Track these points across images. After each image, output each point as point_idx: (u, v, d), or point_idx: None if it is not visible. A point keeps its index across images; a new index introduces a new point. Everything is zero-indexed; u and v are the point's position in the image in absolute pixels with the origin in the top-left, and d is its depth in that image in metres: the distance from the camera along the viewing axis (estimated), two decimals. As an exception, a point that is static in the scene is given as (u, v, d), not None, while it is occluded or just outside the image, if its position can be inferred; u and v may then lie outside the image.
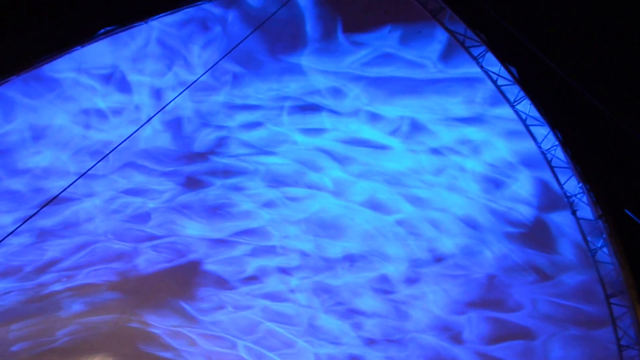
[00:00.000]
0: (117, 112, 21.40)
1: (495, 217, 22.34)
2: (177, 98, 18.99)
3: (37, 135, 21.11)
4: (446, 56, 19.12)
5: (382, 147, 22.47)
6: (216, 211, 26.15)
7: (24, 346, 32.43)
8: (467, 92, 19.82)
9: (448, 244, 23.90)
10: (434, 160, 22.10)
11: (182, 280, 29.66)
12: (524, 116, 18.67)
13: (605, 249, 19.20)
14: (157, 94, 21.08)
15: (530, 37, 16.46)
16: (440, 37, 18.65)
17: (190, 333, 33.14)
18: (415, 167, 22.61)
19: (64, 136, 21.54)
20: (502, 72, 18.08)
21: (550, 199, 20.67)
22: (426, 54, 19.32)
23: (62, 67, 19.35)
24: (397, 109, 21.07)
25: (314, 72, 20.63)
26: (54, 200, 16.93)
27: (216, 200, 25.68)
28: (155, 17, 17.81)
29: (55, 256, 26.61)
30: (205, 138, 23.06)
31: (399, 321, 27.06)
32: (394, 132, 21.78)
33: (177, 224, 26.70)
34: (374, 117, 21.60)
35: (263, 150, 23.54)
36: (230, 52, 18.24)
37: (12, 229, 16.17)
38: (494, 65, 18.05)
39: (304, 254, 27.12)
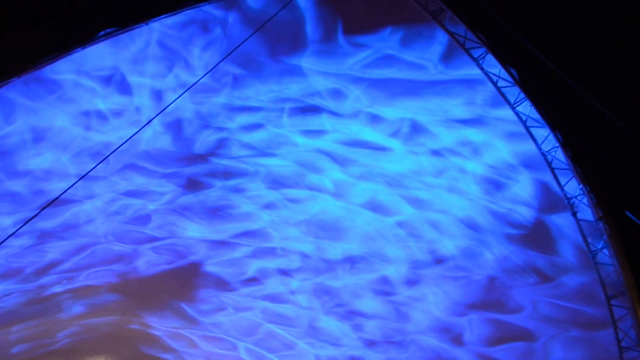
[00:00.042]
0: (117, 113, 21.40)
1: (495, 219, 22.33)
2: (178, 100, 18.98)
3: (38, 136, 21.12)
4: (447, 58, 19.12)
5: (382, 149, 22.46)
6: (217, 213, 26.15)
7: (25, 348, 32.43)
8: (468, 93, 19.81)
9: (448, 246, 23.89)
10: (435, 162, 22.09)
11: (182, 282, 29.66)
12: (524, 118, 18.66)
13: (605, 251, 19.18)
14: (158, 95, 21.08)
15: (531, 38, 16.46)
16: (441, 38, 18.64)
17: (190, 334, 33.14)
18: (416, 169, 22.60)
19: (64, 138, 21.55)
20: (503, 74, 18.07)
21: (550, 200, 20.66)
22: (427, 55, 19.32)
23: (63, 69, 19.36)
24: (397, 110, 21.06)
25: (315, 73, 20.62)
26: (54, 202, 16.94)
27: (216, 202, 25.68)
28: (156, 18, 17.81)
29: (55, 258, 26.61)
30: (205, 140, 23.05)
31: (400, 323, 27.05)
32: (394, 134, 21.77)
33: (178, 226, 26.70)
34: (375, 119, 21.59)
35: (263, 151, 23.54)
36: (230, 53, 18.25)
37: (13, 231, 16.19)
38: (494, 66, 18.05)
39: (304, 256, 27.11)
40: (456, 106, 20.32)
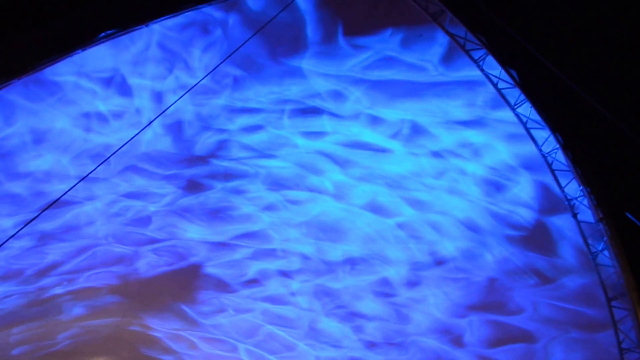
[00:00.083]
0: (117, 115, 21.41)
1: (496, 220, 22.33)
2: (178, 101, 18.98)
3: (38, 138, 21.12)
4: (447, 59, 19.12)
5: (382, 150, 22.46)
6: (217, 214, 26.14)
7: (25, 350, 32.41)
8: (468, 95, 19.81)
9: (449, 247, 23.89)
10: (435, 163, 22.09)
11: (182, 284, 29.65)
12: (524, 119, 18.66)
13: (606, 252, 19.17)
14: (158, 97, 21.09)
15: (531, 40, 16.46)
16: (441, 40, 18.65)
17: (191, 336, 33.12)
18: (416, 170, 22.60)
19: (64, 139, 21.55)
20: (503, 75, 18.07)
21: (551, 202, 20.66)
22: (427, 57, 19.32)
23: (63, 71, 19.37)
24: (398, 112, 21.06)
25: (315, 75, 20.63)
26: (55, 204, 16.94)
27: (217, 204, 25.68)
28: (156, 20, 17.81)
29: (56, 259, 26.62)
30: (206, 141, 23.06)
31: (400, 324, 27.04)
32: (394, 135, 21.77)
33: (178, 227, 26.70)
34: (375, 120, 21.59)
35: (264, 153, 23.54)
36: (230, 55, 18.26)
37: (13, 233, 16.19)
38: (495, 68, 18.04)
39: (304, 257, 27.11)
40: (456, 108, 20.32)
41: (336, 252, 26.47)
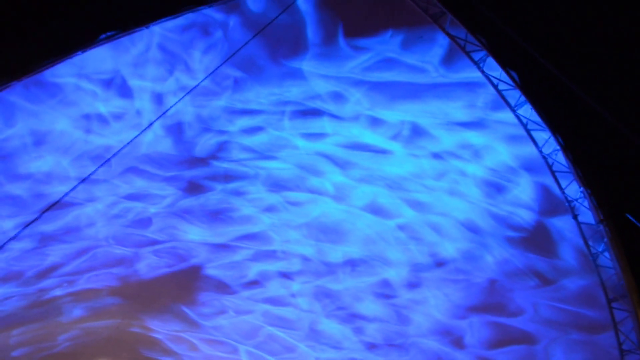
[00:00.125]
0: (118, 117, 21.41)
1: (496, 222, 22.32)
2: (178, 103, 19.00)
3: (39, 140, 21.14)
4: (447, 61, 19.14)
5: (383, 152, 22.47)
6: (217, 216, 26.14)
7: (25, 351, 32.40)
8: (469, 96, 19.82)
9: (449, 249, 23.88)
10: (435, 165, 22.09)
11: (183, 285, 29.64)
12: (525, 121, 18.67)
13: (606, 254, 19.17)
14: (158, 99, 21.09)
15: (531, 41, 16.46)
16: (442, 41, 18.67)
17: (191, 338, 33.10)
18: (417, 172, 22.60)
19: (65, 141, 21.56)
20: (503, 77, 18.09)
21: (551, 203, 20.65)
22: (427, 58, 19.34)
23: (63, 72, 19.38)
24: (398, 113, 21.07)
25: (315, 76, 20.65)
26: (55, 205, 16.96)
27: (217, 205, 25.68)
28: (157, 22, 17.84)
29: (56, 261, 26.61)
30: (206, 143, 23.07)
31: (401, 326, 27.02)
32: (395, 137, 21.78)
33: (178, 229, 26.69)
34: (375, 122, 21.60)
35: (264, 154, 23.55)
36: (231, 57, 18.30)
37: (14, 234, 16.23)
38: (495, 69, 18.06)
39: (305, 259, 27.10)
40: (457, 109, 20.33)
41: (336, 253, 26.46)
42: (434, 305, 25.63)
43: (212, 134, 22.77)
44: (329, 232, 25.86)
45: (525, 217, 21.59)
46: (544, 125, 18.19)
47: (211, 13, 19.02)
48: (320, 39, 19.53)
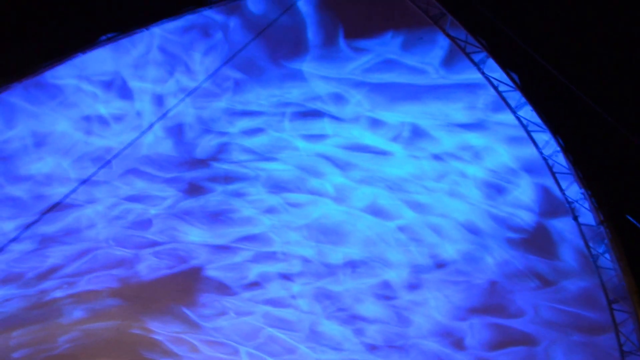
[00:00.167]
0: (118, 118, 21.42)
1: (496, 223, 22.32)
2: (179, 104, 19.00)
3: (39, 141, 21.14)
4: (448, 62, 19.13)
5: (383, 153, 22.47)
6: (217, 217, 26.14)
7: (25, 353, 32.39)
8: (469, 98, 19.82)
9: (449, 250, 23.87)
10: (436, 166, 22.09)
11: (183, 287, 29.63)
12: (525, 122, 18.67)
13: (607, 255, 19.16)
14: (159, 100, 21.10)
15: (532, 43, 16.47)
16: (442, 43, 18.66)
17: (192, 339, 33.10)
18: (417, 173, 22.60)
19: (65, 143, 21.57)
20: (504, 78, 18.07)
21: (551, 204, 20.65)
22: (428, 60, 19.33)
23: (64, 74, 19.38)
24: (398, 115, 21.07)
25: (316, 78, 20.65)
26: (55, 207, 16.97)
27: (217, 207, 25.68)
28: (157, 23, 17.85)
29: (56, 263, 26.60)
30: (206, 144, 23.07)
31: (401, 327, 27.01)
32: (395, 138, 21.78)
33: (179, 231, 26.69)
34: (376, 123, 21.60)
35: (264, 156, 23.55)
36: (231, 58, 18.30)
37: (14, 236, 16.22)
38: (496, 71, 18.05)
39: (305, 260, 27.09)
40: (457, 110, 20.33)
41: (337, 254, 26.46)
42: (434, 306, 25.62)
43: (212, 136, 22.78)
44: (329, 233, 25.86)
45: (526, 218, 21.59)
46: (544, 126, 18.19)
47: (211, 14, 19.03)
48: (321, 40, 19.53)
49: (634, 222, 17.89)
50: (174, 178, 24.11)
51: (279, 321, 30.19)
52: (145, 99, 21.06)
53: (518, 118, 18.67)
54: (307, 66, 20.31)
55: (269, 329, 30.82)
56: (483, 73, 18.27)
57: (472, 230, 22.96)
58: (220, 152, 23.40)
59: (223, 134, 22.74)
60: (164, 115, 19.42)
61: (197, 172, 24.04)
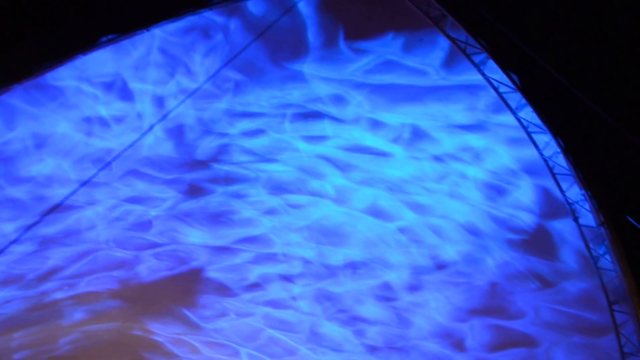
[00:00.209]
0: (119, 120, 21.43)
1: (497, 224, 22.31)
2: (179, 106, 19.00)
3: (39, 143, 21.15)
4: (448, 63, 19.14)
5: (384, 154, 22.47)
6: (218, 219, 26.14)
7: (26, 354, 32.39)
8: (470, 99, 19.82)
9: (450, 251, 23.87)
10: (436, 167, 22.09)
11: (184, 288, 29.63)
12: (525, 123, 18.67)
13: (607, 256, 19.16)
14: (159, 101, 21.10)
15: (532, 44, 16.47)
16: (443, 44, 18.66)
17: (192, 340, 33.10)
18: (417, 174, 22.60)
19: (66, 144, 21.58)
20: (504, 79, 18.07)
21: (552, 206, 20.65)
22: (428, 61, 19.33)
23: (64, 75, 19.39)
24: (399, 116, 21.08)
25: (316, 79, 20.66)
26: (56, 208, 16.97)
27: (218, 208, 25.67)
28: (157, 25, 17.86)
29: (57, 264, 26.60)
30: (207, 146, 23.07)
31: (402, 328, 27.01)
32: (396, 140, 21.78)
33: (179, 232, 26.69)
34: (376, 125, 21.60)
35: (265, 157, 23.55)
36: (232, 60, 18.30)
37: (14, 237, 16.22)
38: (496, 72, 18.05)
39: (306, 262, 27.09)
40: (457, 112, 20.33)
41: (337, 256, 26.46)
42: (434, 308, 25.62)
43: (212, 137, 22.78)
44: (329, 234, 25.86)
45: (526, 219, 21.58)
46: (544, 127, 18.19)
47: (212, 16, 19.03)
48: (321, 41, 19.53)
49: (635, 223, 17.89)
50: (174, 179, 24.11)
51: (279, 322, 30.19)
52: (145, 101, 21.06)
53: (518, 119, 18.67)
54: (307, 67, 20.32)
55: (269, 330, 30.82)
56: (483, 74, 18.26)
57: (472, 231, 22.96)
58: (220, 154, 23.41)
59: (223, 135, 22.74)
60: (164, 117, 19.43)
61: (198, 173, 24.04)
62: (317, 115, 21.82)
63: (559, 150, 18.34)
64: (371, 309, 27.29)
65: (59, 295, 28.66)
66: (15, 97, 19.27)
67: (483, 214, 22.38)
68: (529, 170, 20.40)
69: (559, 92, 16.94)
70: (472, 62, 18.15)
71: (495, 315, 24.18)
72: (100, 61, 19.38)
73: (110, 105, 20.92)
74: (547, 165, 19.08)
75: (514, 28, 16.66)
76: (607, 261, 19.28)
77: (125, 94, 20.74)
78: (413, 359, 27.60)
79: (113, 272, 28.31)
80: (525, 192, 21.03)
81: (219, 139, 22.90)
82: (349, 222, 25.17)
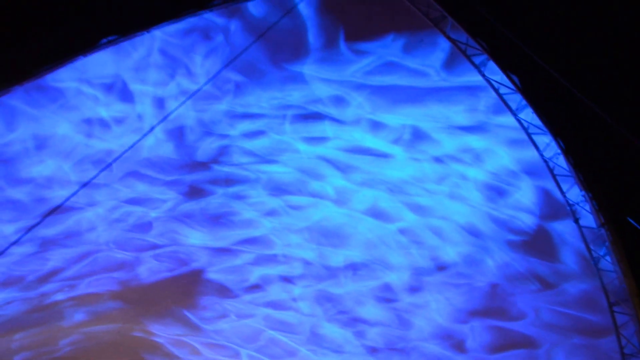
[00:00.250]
0: (119, 121, 21.43)
1: (497, 226, 22.31)
2: (180, 107, 19.00)
3: (40, 144, 21.15)
4: (449, 64, 19.14)
5: (384, 156, 22.46)
6: (218, 220, 26.13)
7: (27, 356, 32.38)
8: (470, 100, 19.83)
9: (450, 253, 23.87)
10: (437, 169, 22.09)
11: (184, 289, 29.62)
12: (526, 124, 18.65)
13: (608, 257, 19.13)
14: (160, 103, 21.10)
15: (532, 45, 16.47)
16: (443, 45, 18.66)
17: (193, 342, 33.08)
18: (418, 175, 22.60)
19: (66, 145, 21.58)
20: (504, 81, 18.06)
21: (552, 207, 20.64)
22: (429, 62, 19.33)
23: (65, 77, 19.40)
24: (399, 117, 21.08)
25: (317, 80, 20.65)
26: (56, 210, 16.96)
27: (218, 209, 25.67)
28: (158, 26, 17.85)
29: (57, 265, 26.59)
30: (207, 147, 23.07)
31: (402, 330, 27.00)
32: (396, 141, 21.78)
33: (179, 233, 26.68)
34: (377, 126, 21.60)
35: (265, 158, 23.55)
36: (232, 61, 18.30)
37: (15, 239, 16.22)
38: (496, 73, 18.04)
39: (306, 263, 27.08)
40: (458, 113, 20.33)
41: (338, 257, 26.45)
42: (435, 309, 25.61)
43: (213, 138, 22.77)
44: (330, 236, 25.85)
45: (527, 220, 21.58)
46: (545, 129, 18.18)
47: (212, 17, 19.03)
48: (322, 43, 19.54)
49: (635, 224, 17.88)
50: (174, 181, 24.11)
51: (279, 324, 30.18)
52: (146, 102, 21.06)
53: (519, 120, 18.66)
54: (308, 69, 20.32)
55: (269, 331, 30.81)
56: (484, 75, 18.25)
57: (473, 232, 22.95)
58: (221, 155, 23.40)
59: (224, 136, 22.74)
60: (164, 118, 19.42)
61: (198, 174, 24.04)
62: (317, 117, 21.82)
63: (559, 151, 18.33)
64: (372, 310, 27.28)
65: (59, 296, 28.66)
66: (16, 99, 19.28)
67: (483, 215, 22.38)
68: (530, 171, 20.40)
69: (559, 93, 16.93)
70: (473, 63, 18.14)
71: (495, 317, 24.18)
72: (101, 62, 19.39)
73: (110, 106, 20.92)
74: (548, 166, 19.06)
75: (514, 29, 16.65)
76: (607, 262, 19.25)
77: (126, 95, 20.74)
78: (413, 360, 27.63)
79: (113, 274, 28.30)
80: (525, 194, 21.03)
81: (220, 140, 22.89)
82: (350, 223, 25.16)
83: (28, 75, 17.18)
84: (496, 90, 18.37)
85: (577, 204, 19.16)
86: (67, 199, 16.40)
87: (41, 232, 24.12)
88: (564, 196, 19.31)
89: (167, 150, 22.97)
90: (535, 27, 17.34)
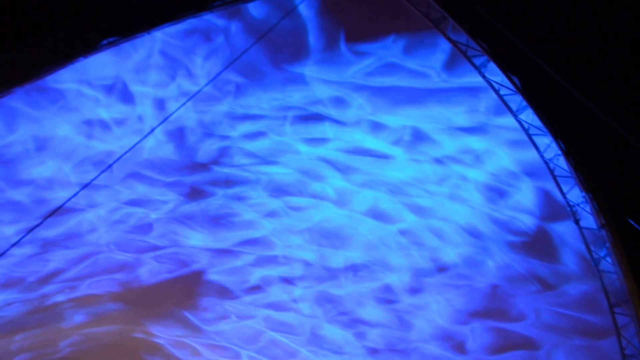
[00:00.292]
0: (119, 122, 21.42)
1: (497, 227, 22.31)
2: (180, 108, 19.00)
3: (40, 145, 21.14)
4: (450, 66, 19.13)
5: (384, 157, 22.46)
6: (219, 221, 26.13)
7: (27, 357, 32.38)
8: (471, 101, 19.82)
9: (451, 254, 23.86)
10: (437, 170, 22.09)
11: (185, 291, 29.63)
12: (526, 125, 18.65)
13: (608, 258, 19.13)
14: (160, 104, 21.10)
15: (533, 46, 16.46)
16: (444, 46, 18.64)
17: (194, 343, 33.09)
18: (418, 177, 22.59)
19: (67, 147, 21.57)
20: (505, 82, 18.06)
21: (552, 208, 20.64)
22: (429, 63, 19.32)
23: (65, 78, 19.39)
24: (400, 118, 21.07)
25: (317, 82, 20.64)
26: (57, 211, 16.96)
27: (219, 210, 25.67)
28: (158, 27, 17.84)
29: (57, 267, 26.60)
30: (208, 148, 23.06)
31: (403, 331, 27.00)
32: (396, 142, 21.78)
33: (180, 235, 26.68)
34: (377, 127, 21.60)
35: (266, 160, 23.55)
36: (233, 62, 18.30)
37: (15, 240, 16.21)
38: (497, 74, 18.03)
39: (307, 264, 27.09)
40: (458, 114, 20.32)
41: (338, 258, 26.46)
42: (435, 310, 25.61)
43: (213, 140, 22.77)
44: (330, 237, 25.85)
45: (527, 222, 21.58)
46: (545, 130, 18.18)
47: (213, 19, 19.02)
48: (322, 44, 19.53)
49: (635, 225, 17.87)
50: (175, 182, 24.11)
51: (280, 325, 30.19)
52: (146, 103, 21.06)
53: (519, 121, 18.66)
54: (308, 70, 20.32)
55: (270, 332, 30.82)
56: (484, 76, 18.24)
57: (473, 233, 22.95)
58: (221, 156, 23.40)
59: (224, 137, 22.74)
60: (165, 119, 19.41)
61: (198, 176, 24.04)
62: (317, 118, 21.82)
63: (559, 152, 18.33)
64: (372, 312, 27.28)
65: (59, 297, 28.67)
66: (16, 100, 19.27)
67: (484, 216, 22.38)
68: (530, 172, 20.40)
69: (560, 94, 16.92)
70: (473, 64, 18.14)
71: (496, 318, 24.17)
72: (101, 64, 19.38)
73: (111, 107, 20.92)
74: (548, 167, 19.06)
75: (514, 30, 16.65)
76: (608, 263, 19.25)
77: (126, 96, 20.74)
78: (414, 361, 27.62)
79: (114, 275, 28.31)
80: (526, 195, 21.03)
81: (220, 142, 22.89)
82: (350, 224, 25.17)
83: (28, 76, 17.17)
84: (496, 92, 18.37)
85: (578, 205, 19.15)
86: (68, 200, 16.39)
87: (42, 233, 24.12)
88: (565, 197, 19.31)
89: (168, 151, 22.97)
90: (535, 27, 17.33)
